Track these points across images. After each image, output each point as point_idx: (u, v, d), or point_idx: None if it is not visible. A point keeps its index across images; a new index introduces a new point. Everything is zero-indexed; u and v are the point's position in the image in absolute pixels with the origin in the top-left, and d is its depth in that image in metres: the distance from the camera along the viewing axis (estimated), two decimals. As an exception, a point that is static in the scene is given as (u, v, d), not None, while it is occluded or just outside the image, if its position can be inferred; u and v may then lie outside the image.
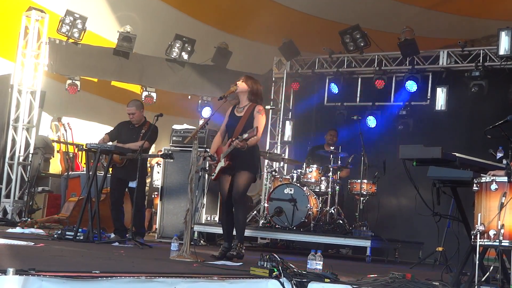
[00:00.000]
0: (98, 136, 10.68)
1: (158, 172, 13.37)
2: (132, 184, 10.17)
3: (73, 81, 14.04)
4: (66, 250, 7.51)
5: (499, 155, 8.61)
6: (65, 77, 14.13)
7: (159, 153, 10.94)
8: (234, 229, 8.25)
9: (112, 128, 10.75)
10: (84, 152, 10.20)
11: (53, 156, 14.86)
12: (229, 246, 8.10)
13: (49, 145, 14.64)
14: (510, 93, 6.84)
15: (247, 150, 7.95)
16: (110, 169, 10.27)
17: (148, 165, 13.66)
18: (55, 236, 9.43)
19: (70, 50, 13.89)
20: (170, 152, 10.73)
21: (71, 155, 14.63)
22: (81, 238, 9.32)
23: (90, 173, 9.79)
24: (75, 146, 14.23)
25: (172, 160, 11.18)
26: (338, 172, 12.13)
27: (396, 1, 13.65)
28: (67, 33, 13.55)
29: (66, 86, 14.01)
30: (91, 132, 15.27)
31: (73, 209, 12.10)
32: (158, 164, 14.17)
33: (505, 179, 5.69)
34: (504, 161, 6.03)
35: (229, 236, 8.28)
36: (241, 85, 8.18)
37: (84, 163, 11.35)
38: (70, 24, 13.51)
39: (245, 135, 7.75)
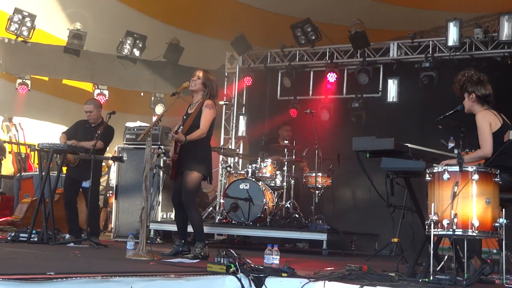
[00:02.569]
0: (50, 135, 10.57)
1: (114, 171, 13.26)
2: (86, 184, 10.09)
3: (24, 80, 13.85)
4: (20, 253, 7.42)
5: (451, 145, 8.74)
6: (15, 77, 13.95)
7: (114, 155, 10.90)
8: (191, 228, 8.20)
9: (65, 127, 10.64)
10: (36, 152, 10.11)
11: (5, 157, 14.64)
12: (182, 243, 8.07)
13: (1, 146, 14.43)
14: (453, 83, 6.93)
15: (196, 149, 7.92)
16: (64, 169, 10.18)
17: (104, 164, 13.54)
18: (9, 238, 9.29)
19: (19, 49, 13.69)
20: (120, 155, 10.68)
21: (23, 156, 14.44)
22: (35, 239, 9.21)
23: (43, 173, 9.67)
24: (27, 147, 14.09)
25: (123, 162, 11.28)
26: (293, 166, 12.18)
27: (346, -6, 13.73)
28: (16, 31, 13.35)
29: (17, 86, 13.83)
30: (43, 131, 15.07)
31: (27, 210, 11.95)
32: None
33: (457, 168, 5.77)
34: (456, 151, 6.10)
35: (182, 233, 8.24)
36: (197, 81, 8.12)
37: (37, 164, 11.22)
38: (19, 22, 13.31)
39: (173, 132, 7.83)
